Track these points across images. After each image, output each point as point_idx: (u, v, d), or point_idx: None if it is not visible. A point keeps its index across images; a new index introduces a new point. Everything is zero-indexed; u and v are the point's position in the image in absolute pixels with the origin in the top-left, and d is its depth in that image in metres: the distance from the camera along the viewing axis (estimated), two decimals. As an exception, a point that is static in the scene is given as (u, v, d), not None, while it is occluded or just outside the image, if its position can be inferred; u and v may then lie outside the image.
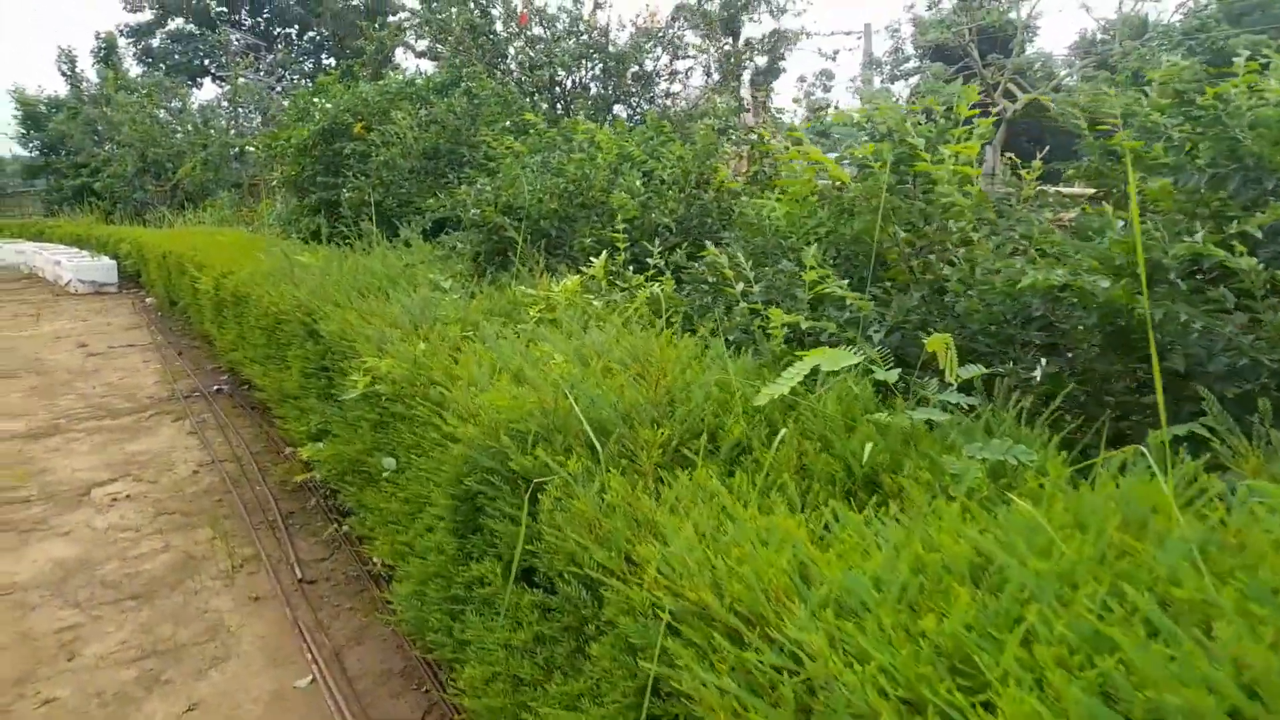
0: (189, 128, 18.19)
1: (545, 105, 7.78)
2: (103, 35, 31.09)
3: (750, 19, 10.54)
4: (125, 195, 18.23)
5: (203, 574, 3.72)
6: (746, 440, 2.09)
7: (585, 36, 7.60)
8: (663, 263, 3.73)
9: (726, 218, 4.92)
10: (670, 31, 7.78)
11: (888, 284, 2.83)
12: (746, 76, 11.41)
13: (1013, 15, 27.50)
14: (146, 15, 37.15)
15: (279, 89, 29.10)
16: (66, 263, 13.95)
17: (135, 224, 16.81)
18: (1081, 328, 2.42)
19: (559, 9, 7.75)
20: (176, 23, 38.48)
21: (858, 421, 2.10)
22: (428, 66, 13.35)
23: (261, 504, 4.49)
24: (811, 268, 2.76)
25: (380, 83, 8.75)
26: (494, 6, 7.71)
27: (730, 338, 2.78)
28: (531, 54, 7.69)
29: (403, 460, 2.98)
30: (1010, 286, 2.39)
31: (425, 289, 4.03)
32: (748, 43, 11.32)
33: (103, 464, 5.20)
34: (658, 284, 3.56)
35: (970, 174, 2.63)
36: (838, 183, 3.02)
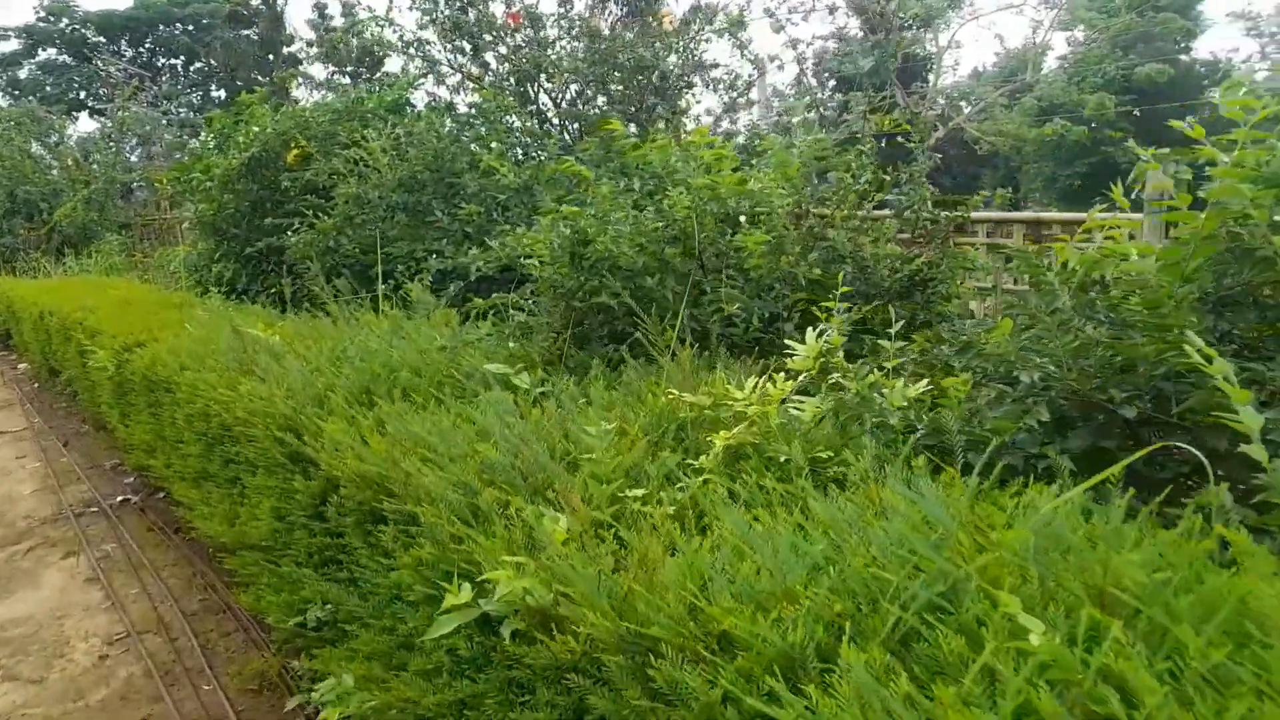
0: (68, 162, 15.87)
1: (530, 122, 6.37)
2: (-38, 64, 27.97)
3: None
4: (-9, 240, 15.77)
5: None
6: None
7: (578, 41, 6.25)
8: (893, 342, 2.39)
9: (867, 268, 3.64)
10: (690, 33, 6.47)
11: None
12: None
13: (930, 46, 27.66)
14: (13, 44, 34.14)
15: (165, 122, 26.72)
16: (-85, 323, 11.62)
17: (4, 274, 14.47)
18: None
19: (550, 15, 6.39)
20: (48, 53, 35.47)
21: None
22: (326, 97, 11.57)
23: (217, 724, 2.90)
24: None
25: (324, 101, 7.18)
26: (472, 6, 6.27)
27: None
28: (515, 60, 6.28)
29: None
30: None
31: (495, 389, 2.57)
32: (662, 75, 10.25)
33: (-45, 647, 3.48)
34: (899, 379, 2.21)
35: None
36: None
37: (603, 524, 1.76)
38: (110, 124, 20.94)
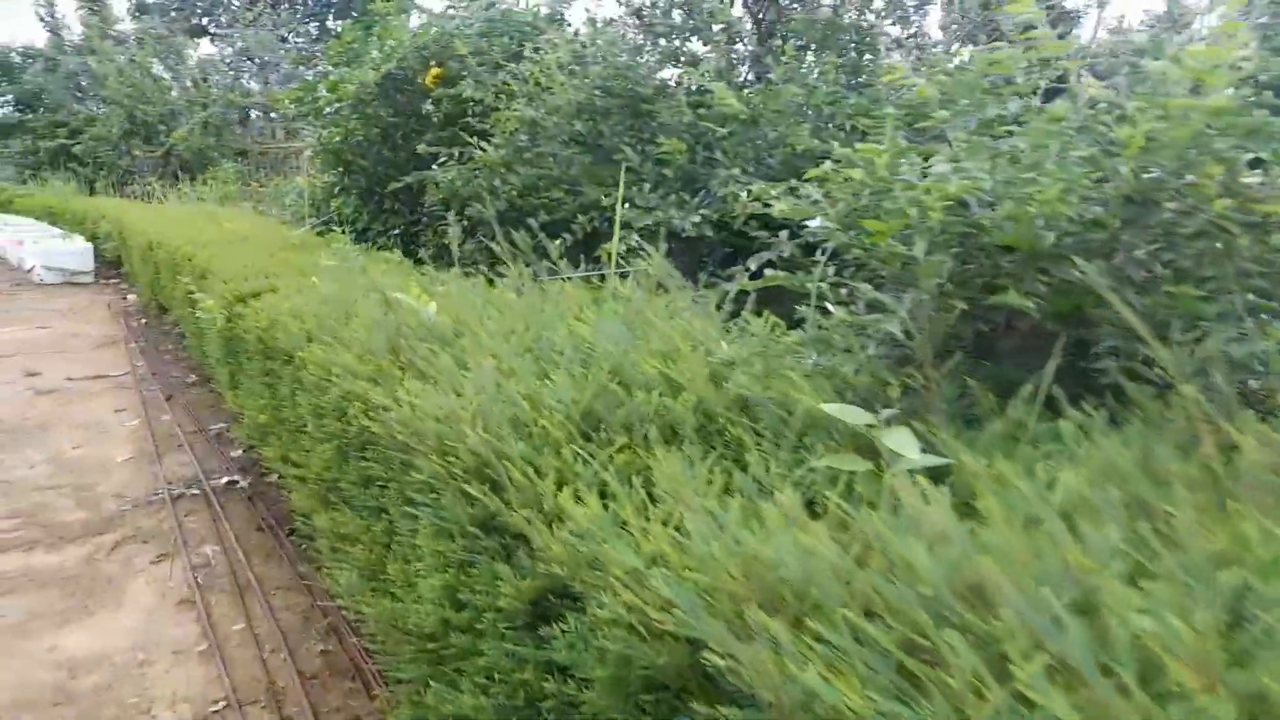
0: (187, 84, 15.36)
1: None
2: (91, -19, 28.02)
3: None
4: (110, 161, 15.46)
5: None
6: None
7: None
8: None
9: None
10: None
11: None
12: None
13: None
14: (141, -35, 34.41)
15: (284, 50, 26.42)
16: (31, 244, 11.23)
17: (120, 196, 14.10)
18: None
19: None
20: (174, -24, 35.65)
21: None
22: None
23: None
24: None
25: (466, 7, 6.10)
26: None
27: None
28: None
29: None
30: None
31: (841, 450, 1.44)
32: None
33: (8, 699, 2.62)
34: None
35: None
36: None
37: None
38: (229, 49, 20.55)
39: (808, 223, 2.14)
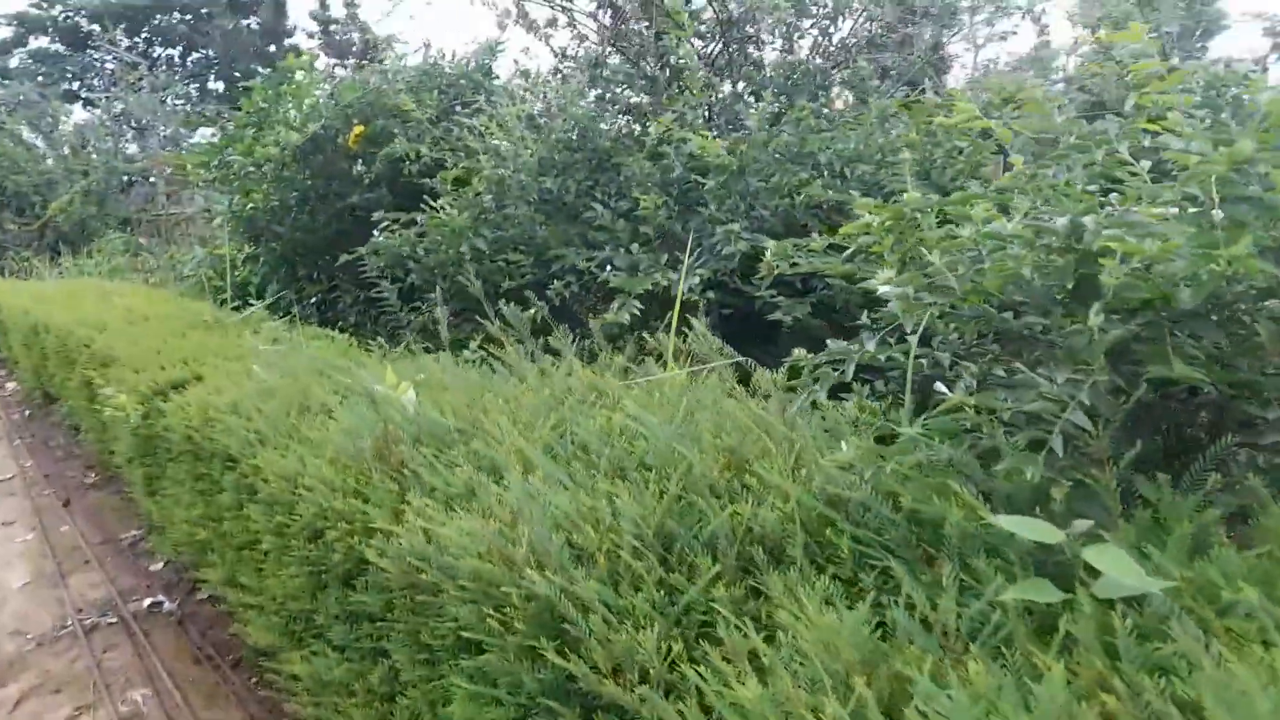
0: (64, 151, 14.31)
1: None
2: (-51, 48, 26.34)
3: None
4: (-23, 236, 14.24)
5: None
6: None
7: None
8: None
9: None
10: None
11: None
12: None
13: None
14: (2, 32, 32.73)
15: (169, 109, 25.38)
16: (-112, 331, 10.07)
17: (-9, 274, 12.96)
18: None
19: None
20: (40, 41, 33.97)
21: None
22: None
23: None
24: None
25: (387, 65, 5.74)
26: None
27: None
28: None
29: None
30: None
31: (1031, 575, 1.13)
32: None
33: None
34: None
35: None
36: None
37: None
38: (105, 115, 19.46)
39: (881, 289, 1.85)
